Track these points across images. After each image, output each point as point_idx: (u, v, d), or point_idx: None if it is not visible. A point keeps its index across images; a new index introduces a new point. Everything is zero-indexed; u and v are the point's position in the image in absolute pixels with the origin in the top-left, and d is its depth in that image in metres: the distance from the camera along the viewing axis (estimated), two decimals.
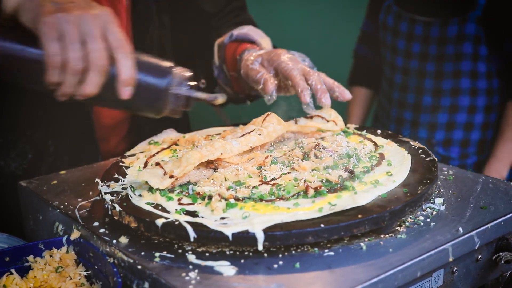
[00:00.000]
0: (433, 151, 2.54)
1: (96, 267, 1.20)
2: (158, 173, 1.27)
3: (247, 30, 1.78)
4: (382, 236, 1.17)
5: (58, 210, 1.33)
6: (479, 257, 1.24)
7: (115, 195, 1.27)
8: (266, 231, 1.09)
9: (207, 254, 1.12)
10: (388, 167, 1.35)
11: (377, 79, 2.83)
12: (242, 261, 1.10)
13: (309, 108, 1.53)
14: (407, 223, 1.22)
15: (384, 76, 2.74)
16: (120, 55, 1.23)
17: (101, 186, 1.32)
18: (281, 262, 1.09)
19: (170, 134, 1.62)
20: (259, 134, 1.41)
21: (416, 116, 2.58)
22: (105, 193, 1.28)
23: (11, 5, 1.26)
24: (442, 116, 2.55)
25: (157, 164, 1.32)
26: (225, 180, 1.29)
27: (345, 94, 1.56)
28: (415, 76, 2.55)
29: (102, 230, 1.23)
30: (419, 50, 2.51)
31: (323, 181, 1.26)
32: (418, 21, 2.50)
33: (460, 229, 1.19)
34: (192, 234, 1.11)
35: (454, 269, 1.20)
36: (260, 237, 1.08)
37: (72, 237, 1.24)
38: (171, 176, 1.27)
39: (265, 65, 1.60)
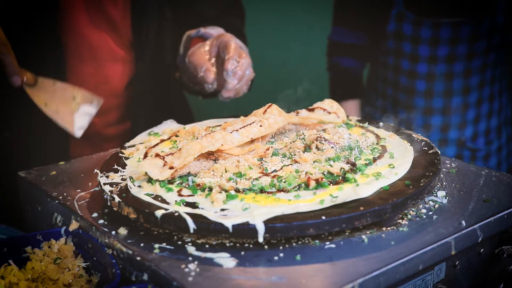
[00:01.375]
0: (465, 147, 2.53)
1: (95, 258, 1.18)
2: (158, 164, 1.26)
3: (215, 32, 1.80)
4: (384, 229, 1.16)
5: (56, 201, 1.32)
6: (482, 250, 1.23)
7: (114, 186, 1.26)
8: (266, 223, 1.08)
9: (207, 245, 1.11)
10: (390, 159, 1.33)
11: (361, 86, 2.78)
12: (242, 253, 1.09)
13: (209, 87, 1.60)
14: (409, 216, 1.21)
15: (393, 87, 2.63)
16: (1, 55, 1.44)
17: (100, 177, 1.31)
18: (281, 254, 1.08)
19: (170, 126, 1.61)
20: (260, 126, 1.39)
21: (446, 119, 2.55)
22: (104, 184, 1.27)
23: None
24: (471, 112, 2.54)
25: (157, 155, 1.30)
26: (226, 171, 1.28)
27: (226, 92, 1.60)
28: (443, 79, 2.51)
29: (101, 221, 1.22)
30: (447, 52, 2.46)
31: (325, 173, 1.25)
32: (444, 24, 2.44)
33: (463, 222, 1.18)
34: (192, 225, 1.09)
35: (457, 263, 1.19)
36: (261, 229, 1.07)
37: (71, 228, 1.23)
38: (171, 167, 1.25)
39: (208, 44, 1.67)
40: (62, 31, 1.71)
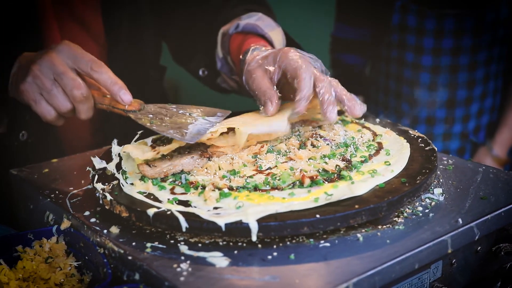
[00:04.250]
0: (467, 140, 2.51)
1: (86, 257, 1.17)
2: (144, 149, 1.25)
3: (256, 20, 1.59)
4: (379, 227, 1.14)
5: (48, 199, 1.30)
6: (479, 248, 1.21)
7: (106, 184, 1.24)
8: (260, 221, 1.06)
9: (199, 244, 1.10)
10: (387, 156, 1.32)
11: (365, 83, 2.75)
12: (236, 252, 1.07)
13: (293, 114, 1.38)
14: (405, 214, 1.19)
15: (396, 80, 2.57)
16: (96, 74, 1.29)
17: (92, 174, 1.29)
18: (275, 254, 1.07)
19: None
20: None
21: (450, 112, 2.52)
22: (97, 182, 1.25)
23: None
24: (475, 105, 2.52)
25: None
26: (219, 169, 1.26)
27: (355, 110, 1.35)
28: (448, 72, 2.48)
29: (93, 220, 1.20)
30: (452, 45, 2.43)
31: (320, 170, 1.23)
32: (448, 15, 2.41)
33: (460, 220, 1.16)
34: (184, 224, 1.08)
35: (453, 261, 1.17)
36: (254, 227, 1.05)
37: (62, 226, 1.22)
38: (154, 150, 1.25)
39: (271, 65, 1.39)
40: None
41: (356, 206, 1.10)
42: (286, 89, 1.42)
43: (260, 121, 1.36)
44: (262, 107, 1.38)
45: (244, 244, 1.09)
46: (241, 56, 1.51)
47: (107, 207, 1.19)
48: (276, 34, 1.59)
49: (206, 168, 1.26)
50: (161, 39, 1.86)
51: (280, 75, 1.39)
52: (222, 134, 1.32)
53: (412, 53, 2.46)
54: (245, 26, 1.58)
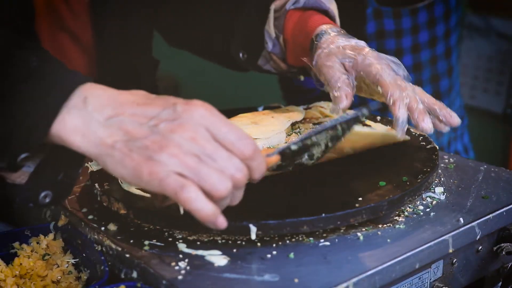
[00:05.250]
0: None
1: (84, 254, 1.16)
2: None
3: None
4: (380, 226, 1.13)
5: None
6: (480, 248, 1.20)
7: (104, 180, 1.23)
8: (259, 220, 1.05)
9: (198, 242, 1.09)
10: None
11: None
12: (235, 250, 1.06)
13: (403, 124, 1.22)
14: (406, 213, 1.18)
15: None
16: (251, 162, 0.94)
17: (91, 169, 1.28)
18: (274, 252, 1.06)
19: None
20: None
21: None
22: (95, 178, 1.24)
23: None
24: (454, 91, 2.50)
25: None
26: None
27: (451, 118, 1.25)
28: (429, 65, 2.40)
29: (90, 217, 1.19)
30: (428, 37, 2.37)
31: None
32: (420, 9, 2.35)
33: (461, 219, 1.15)
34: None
35: (454, 261, 1.16)
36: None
37: (60, 223, 1.21)
38: None
39: (346, 66, 1.28)
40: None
41: (357, 205, 1.09)
42: (360, 87, 1.32)
43: (258, 131, 1.34)
44: (335, 95, 1.25)
45: (243, 243, 1.08)
46: (313, 37, 1.35)
47: (105, 204, 1.18)
48: (335, 6, 1.45)
49: None
50: (152, 32, 1.70)
51: (354, 75, 1.28)
52: None
53: (410, 54, 2.39)
54: (307, 2, 1.41)
